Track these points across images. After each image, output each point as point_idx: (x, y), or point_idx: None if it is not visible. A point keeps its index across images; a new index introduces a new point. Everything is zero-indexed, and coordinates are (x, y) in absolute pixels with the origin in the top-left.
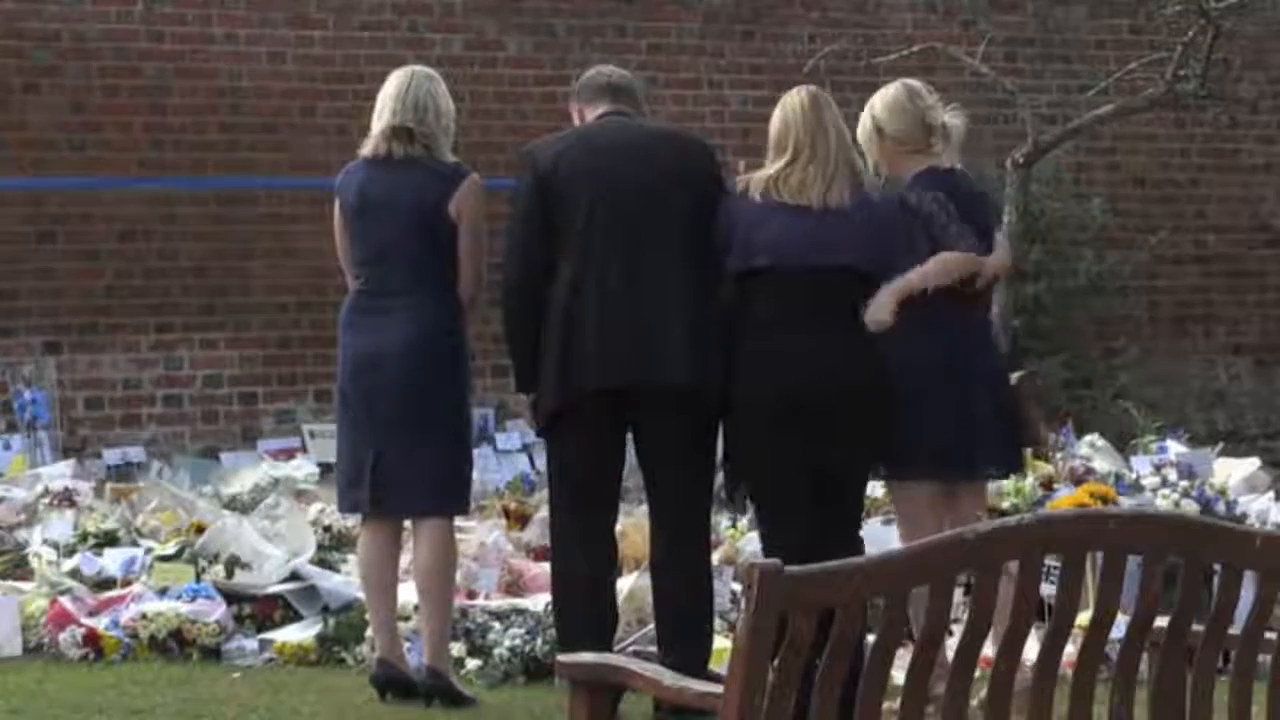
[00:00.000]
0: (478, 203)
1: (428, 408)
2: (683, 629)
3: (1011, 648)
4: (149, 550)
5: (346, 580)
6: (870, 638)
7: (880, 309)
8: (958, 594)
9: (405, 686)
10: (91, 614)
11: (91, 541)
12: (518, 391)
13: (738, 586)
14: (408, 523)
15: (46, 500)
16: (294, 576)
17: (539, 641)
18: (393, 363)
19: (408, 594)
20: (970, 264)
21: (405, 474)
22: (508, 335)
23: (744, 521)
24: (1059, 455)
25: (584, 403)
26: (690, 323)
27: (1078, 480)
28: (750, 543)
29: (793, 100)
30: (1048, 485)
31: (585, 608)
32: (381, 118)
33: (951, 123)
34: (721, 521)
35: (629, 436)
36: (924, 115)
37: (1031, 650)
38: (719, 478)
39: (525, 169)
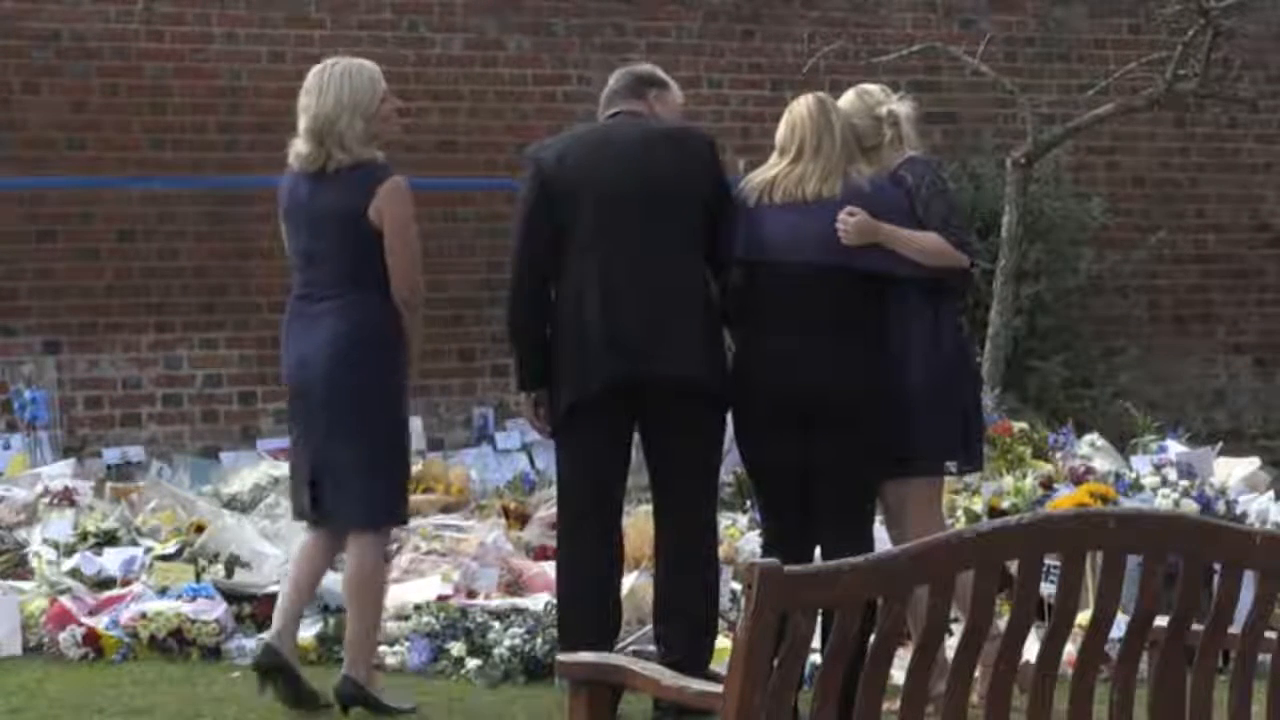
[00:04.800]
0: (400, 204)
1: (356, 413)
2: (686, 628)
3: (1011, 648)
4: (149, 550)
5: None
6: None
7: (856, 225)
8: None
9: (288, 674)
10: (91, 613)
11: (91, 541)
12: (519, 390)
13: (738, 586)
14: None
15: (46, 500)
16: None
17: (539, 641)
18: (319, 366)
19: (408, 594)
20: (954, 260)
21: (338, 482)
22: (511, 334)
23: (743, 521)
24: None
25: (594, 401)
26: (695, 319)
27: (1078, 480)
28: (750, 542)
29: (799, 105)
30: (1048, 485)
31: (591, 606)
32: (300, 123)
33: (897, 109)
34: (721, 521)
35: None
36: (873, 109)
37: (1031, 650)
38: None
39: (527, 170)
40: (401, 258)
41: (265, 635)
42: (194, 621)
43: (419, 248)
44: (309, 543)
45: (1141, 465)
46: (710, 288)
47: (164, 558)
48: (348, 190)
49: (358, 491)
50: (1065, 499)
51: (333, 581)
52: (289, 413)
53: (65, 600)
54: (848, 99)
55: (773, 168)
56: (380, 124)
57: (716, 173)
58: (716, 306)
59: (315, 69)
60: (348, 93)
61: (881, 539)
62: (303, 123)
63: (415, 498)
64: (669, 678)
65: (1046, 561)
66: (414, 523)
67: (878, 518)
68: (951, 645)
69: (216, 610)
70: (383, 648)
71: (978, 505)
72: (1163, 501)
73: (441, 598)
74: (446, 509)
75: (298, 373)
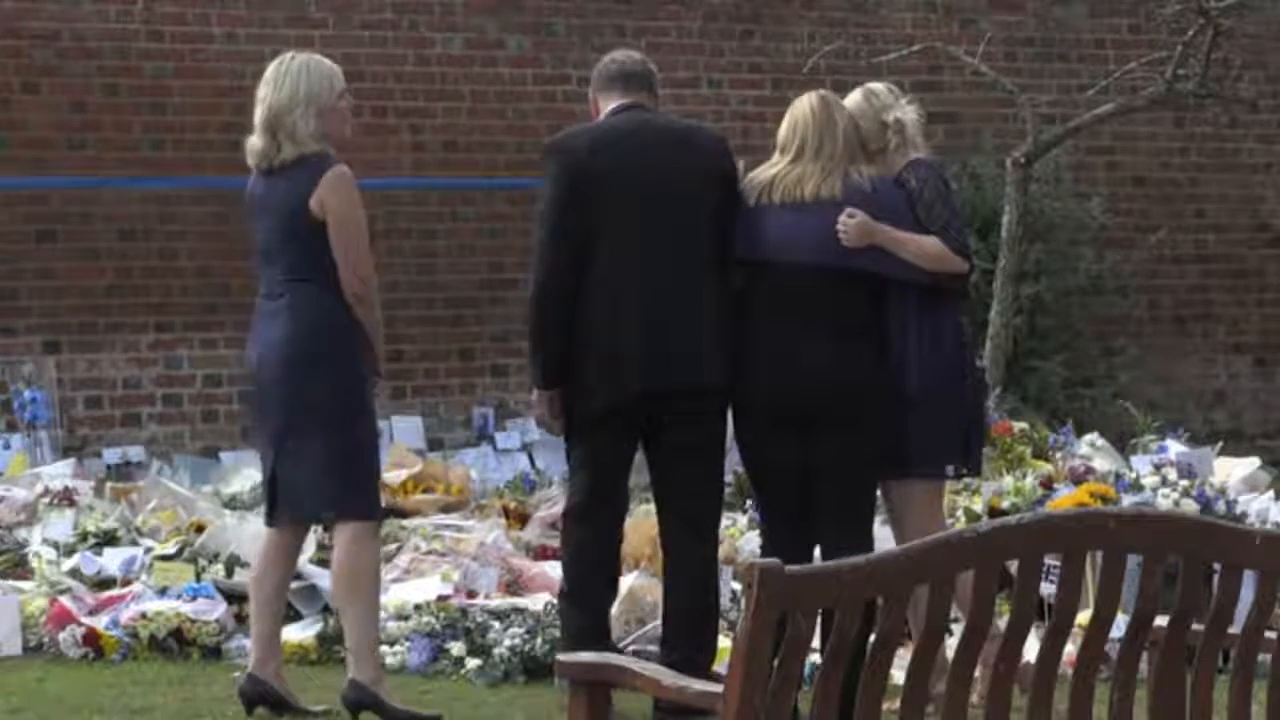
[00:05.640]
0: (342, 195)
1: (306, 409)
2: (690, 629)
3: (1011, 648)
4: (149, 549)
5: None
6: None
7: (855, 226)
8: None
9: (275, 702)
10: (91, 613)
11: (91, 541)
12: (543, 388)
13: (738, 586)
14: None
15: (46, 500)
16: (294, 576)
17: (539, 641)
18: (269, 365)
19: (408, 594)
20: (953, 265)
21: (291, 479)
22: (536, 332)
23: (743, 521)
24: (1059, 455)
25: (627, 404)
26: (723, 323)
27: (1078, 480)
28: (750, 542)
29: (803, 103)
30: (1048, 485)
31: (594, 604)
32: (255, 115)
33: (903, 116)
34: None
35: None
36: (879, 114)
37: (1031, 650)
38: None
39: (549, 168)
40: (345, 250)
41: (249, 665)
42: (194, 621)
43: (365, 238)
44: (264, 552)
45: (1141, 465)
46: (725, 287)
47: (164, 558)
48: (292, 183)
49: (316, 485)
50: (1065, 499)
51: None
52: (254, 413)
53: (65, 600)
54: (854, 99)
55: (773, 166)
56: (333, 120)
57: (730, 173)
58: (729, 306)
59: (274, 62)
60: (304, 86)
61: (882, 539)
62: (258, 115)
63: (415, 498)
64: (669, 678)
65: (1046, 561)
66: (414, 522)
67: (879, 518)
68: (951, 645)
69: (216, 610)
70: (383, 648)
71: (978, 505)
72: (1163, 501)
73: (441, 598)
74: (446, 509)
75: (255, 374)
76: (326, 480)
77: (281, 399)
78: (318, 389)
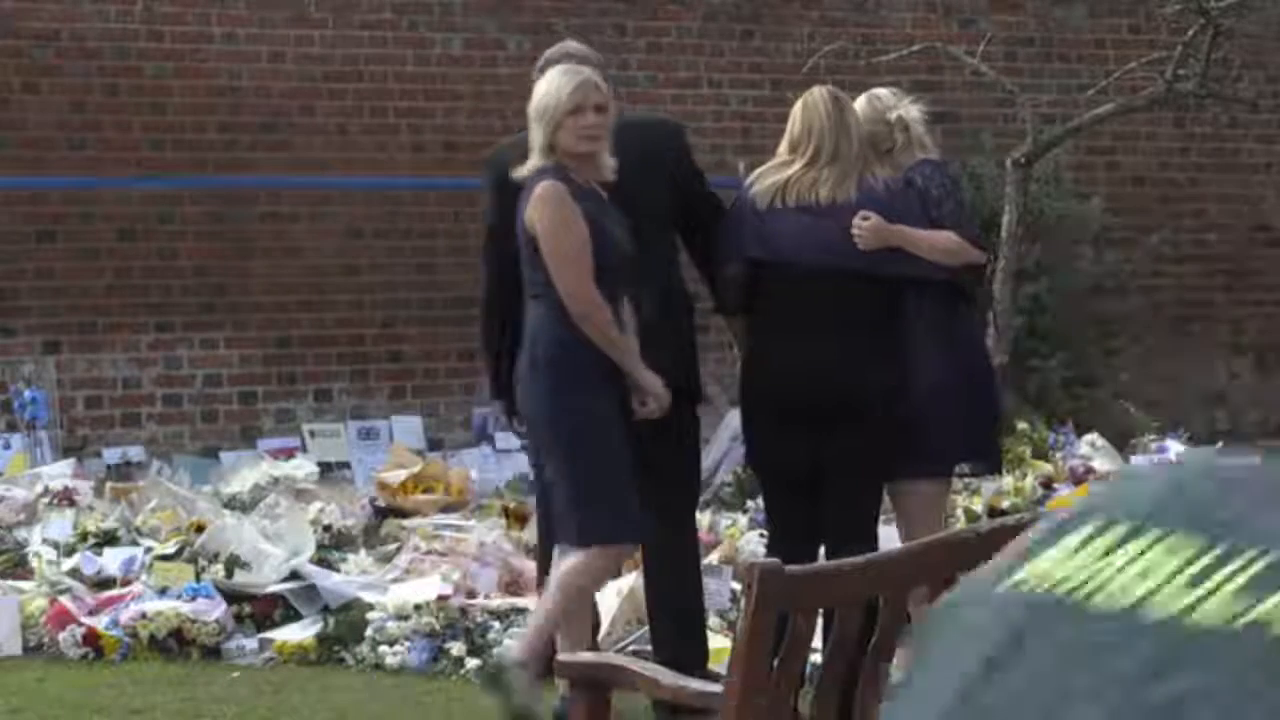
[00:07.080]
0: (544, 210)
1: (538, 431)
2: (678, 627)
3: None
4: (149, 549)
5: (346, 579)
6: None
7: (871, 229)
8: None
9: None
10: (91, 613)
11: (91, 541)
12: (493, 397)
13: (738, 586)
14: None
15: (46, 499)
16: (294, 576)
17: None
18: (518, 389)
19: (408, 594)
20: (972, 256)
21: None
22: (484, 344)
23: (744, 521)
24: (1059, 454)
25: None
26: (677, 318)
27: (1078, 480)
28: (750, 542)
29: (815, 101)
30: (1048, 485)
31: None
32: None
33: (906, 115)
34: (721, 521)
35: None
36: (883, 114)
37: None
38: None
39: (488, 174)
40: (553, 268)
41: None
42: (194, 621)
43: (575, 256)
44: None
45: (1142, 465)
46: (683, 282)
47: (164, 558)
48: (523, 198)
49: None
50: (1065, 499)
51: (336, 582)
52: None
53: (65, 600)
54: (859, 105)
55: (785, 168)
56: (564, 136)
57: (684, 159)
58: (689, 300)
59: (539, 72)
60: (537, 99)
61: (886, 538)
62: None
63: (415, 498)
64: (669, 677)
65: None
66: (414, 523)
67: (882, 516)
68: None
69: (216, 610)
70: (382, 647)
71: (978, 505)
72: None
73: (441, 598)
74: (446, 509)
75: None
76: (557, 503)
77: (524, 418)
78: (542, 411)
